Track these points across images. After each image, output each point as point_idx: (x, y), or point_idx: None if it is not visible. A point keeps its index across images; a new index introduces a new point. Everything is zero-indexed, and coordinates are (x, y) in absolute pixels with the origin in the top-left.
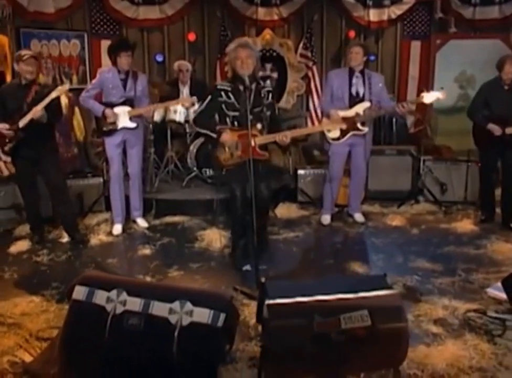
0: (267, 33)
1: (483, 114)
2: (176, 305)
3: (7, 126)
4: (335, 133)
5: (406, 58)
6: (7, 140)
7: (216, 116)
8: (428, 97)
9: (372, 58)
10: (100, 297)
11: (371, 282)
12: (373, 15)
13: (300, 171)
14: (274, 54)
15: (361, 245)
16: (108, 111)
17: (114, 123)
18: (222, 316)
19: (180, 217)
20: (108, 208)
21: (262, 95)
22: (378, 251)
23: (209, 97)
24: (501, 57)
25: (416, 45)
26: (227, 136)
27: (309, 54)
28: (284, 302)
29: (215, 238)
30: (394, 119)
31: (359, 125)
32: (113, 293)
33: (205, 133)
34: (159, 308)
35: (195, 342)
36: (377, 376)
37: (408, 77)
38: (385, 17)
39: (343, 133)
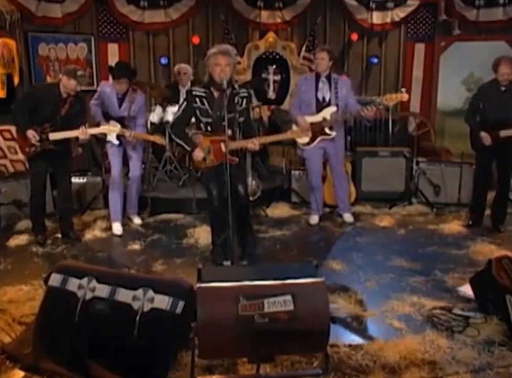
0: (270, 36)
1: (479, 116)
2: (139, 292)
3: (36, 136)
4: (305, 139)
5: (410, 61)
6: (30, 144)
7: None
8: (392, 99)
9: (375, 60)
10: (73, 284)
11: (300, 270)
12: (377, 17)
13: (294, 172)
14: (277, 56)
15: (344, 244)
16: (102, 123)
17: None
18: (181, 303)
19: (174, 215)
20: (107, 205)
21: (236, 101)
22: (359, 250)
23: (184, 103)
24: (495, 58)
25: (420, 48)
26: (198, 153)
27: (311, 56)
28: (212, 286)
29: (202, 235)
30: (391, 122)
31: (326, 130)
32: (84, 281)
33: (180, 144)
34: (124, 295)
35: (155, 326)
36: (319, 360)
37: (412, 80)
38: (388, 20)
39: (312, 137)
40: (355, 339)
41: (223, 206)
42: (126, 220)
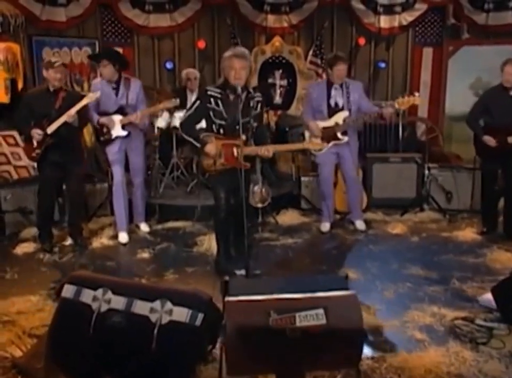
0: (277, 41)
1: (484, 121)
2: (157, 304)
3: (39, 131)
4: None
5: (418, 65)
6: (35, 146)
7: (203, 122)
8: (404, 104)
9: (383, 65)
10: (87, 295)
11: (330, 282)
12: (384, 22)
13: (304, 178)
14: (284, 61)
15: (357, 252)
16: (102, 119)
17: (109, 132)
18: (200, 315)
19: (182, 222)
20: (113, 212)
21: (251, 105)
22: (374, 258)
23: (198, 102)
24: (506, 58)
25: (428, 52)
26: (211, 147)
27: (318, 61)
28: (241, 299)
29: (213, 243)
30: (401, 127)
31: (338, 135)
32: (99, 292)
33: (190, 141)
34: (141, 307)
35: (173, 339)
36: (341, 374)
37: (420, 85)
38: (396, 24)
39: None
40: (378, 352)
41: (229, 212)
42: (133, 228)
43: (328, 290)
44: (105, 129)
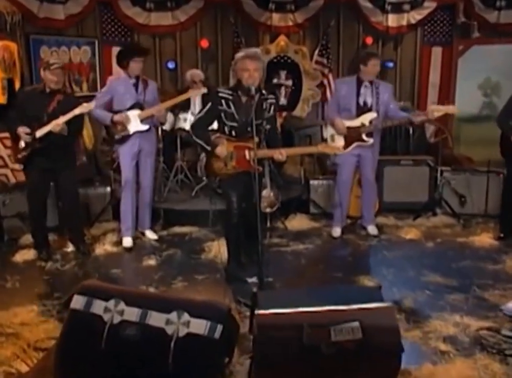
0: (282, 40)
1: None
2: (173, 315)
3: (27, 130)
4: (339, 143)
5: (426, 65)
6: (21, 148)
7: (215, 124)
8: (439, 111)
9: (391, 64)
10: (98, 307)
11: (365, 294)
12: (392, 20)
13: (313, 182)
14: (289, 61)
15: (371, 258)
16: (116, 116)
17: (125, 129)
18: (219, 327)
19: (188, 228)
20: (115, 217)
21: (264, 107)
22: (389, 265)
23: (209, 104)
24: None
25: (437, 52)
26: (222, 149)
27: (325, 61)
28: (273, 312)
29: (222, 249)
30: (411, 129)
31: (363, 136)
32: (111, 303)
33: (200, 144)
34: (156, 319)
35: (191, 353)
36: None
37: (428, 85)
38: (404, 22)
39: (347, 143)
40: (402, 364)
41: (241, 217)
42: (138, 233)
43: (362, 302)
44: (119, 126)
